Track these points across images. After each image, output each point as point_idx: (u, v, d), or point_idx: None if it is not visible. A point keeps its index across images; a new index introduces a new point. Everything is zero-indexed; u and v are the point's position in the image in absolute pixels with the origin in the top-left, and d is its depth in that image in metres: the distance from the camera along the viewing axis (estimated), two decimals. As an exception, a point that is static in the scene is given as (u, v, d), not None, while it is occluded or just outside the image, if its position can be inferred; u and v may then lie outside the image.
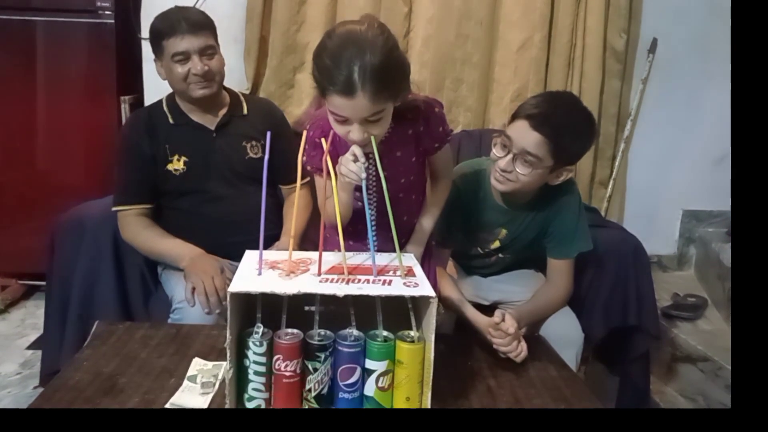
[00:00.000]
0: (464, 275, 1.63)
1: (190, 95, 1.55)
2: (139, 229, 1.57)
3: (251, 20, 2.14)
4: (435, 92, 2.18)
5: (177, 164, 1.58)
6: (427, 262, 1.30)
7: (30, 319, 2.25)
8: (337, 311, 0.96)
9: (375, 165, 1.03)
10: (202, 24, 1.53)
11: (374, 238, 1.07)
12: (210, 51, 1.54)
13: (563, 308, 1.53)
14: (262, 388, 0.95)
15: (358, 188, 1.11)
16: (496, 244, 1.53)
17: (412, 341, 0.96)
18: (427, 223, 1.28)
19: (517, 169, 1.31)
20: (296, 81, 2.21)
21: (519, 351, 1.24)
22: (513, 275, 1.63)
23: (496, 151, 1.35)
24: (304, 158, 1.12)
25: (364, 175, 1.04)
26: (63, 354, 1.54)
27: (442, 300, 1.39)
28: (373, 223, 1.14)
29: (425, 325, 0.95)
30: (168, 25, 1.50)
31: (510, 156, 1.31)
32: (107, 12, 2.17)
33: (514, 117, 1.34)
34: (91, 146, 2.25)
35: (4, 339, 2.11)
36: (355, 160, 1.05)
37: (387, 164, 1.09)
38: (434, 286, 1.26)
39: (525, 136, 1.29)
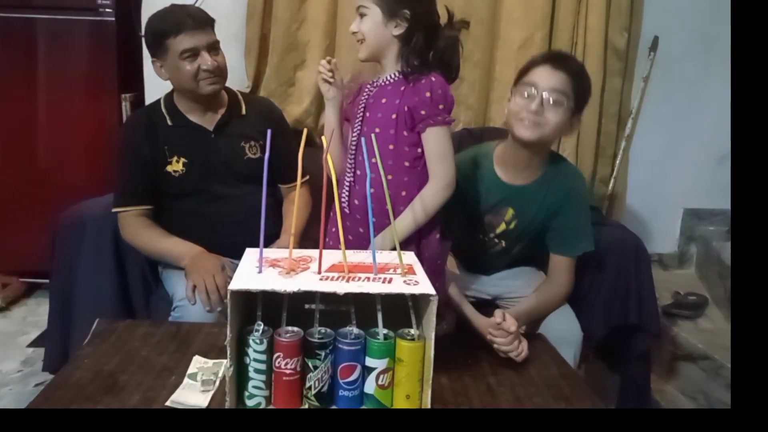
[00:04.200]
0: (465, 272, 1.63)
1: (200, 92, 1.54)
2: (139, 230, 1.57)
3: (252, 18, 2.14)
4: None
5: (176, 165, 1.58)
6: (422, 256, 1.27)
7: (31, 317, 2.26)
8: (337, 309, 0.97)
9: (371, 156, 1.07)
10: (205, 20, 1.53)
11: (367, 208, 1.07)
12: (216, 46, 1.55)
13: (562, 307, 1.53)
14: (263, 385, 0.95)
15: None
16: (502, 227, 1.51)
17: (413, 339, 0.96)
18: (404, 219, 1.21)
19: (547, 112, 1.35)
20: (297, 79, 2.21)
21: (520, 350, 1.25)
22: (515, 272, 1.63)
23: (518, 100, 1.38)
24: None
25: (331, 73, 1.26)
26: (65, 351, 1.54)
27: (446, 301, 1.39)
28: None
29: (425, 323, 0.95)
30: (173, 23, 1.49)
31: (538, 99, 1.35)
32: (108, 10, 2.17)
33: (529, 67, 1.39)
34: (92, 144, 2.26)
35: (5, 337, 2.12)
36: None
37: (371, 108, 1.24)
38: (439, 280, 1.26)
39: (550, 76, 1.35)
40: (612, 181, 2.36)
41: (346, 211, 1.26)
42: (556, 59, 1.39)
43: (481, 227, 1.53)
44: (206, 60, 1.50)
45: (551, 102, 1.35)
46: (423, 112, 1.20)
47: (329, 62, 1.30)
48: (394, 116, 1.21)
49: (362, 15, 1.22)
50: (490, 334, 1.28)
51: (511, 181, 1.47)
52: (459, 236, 1.50)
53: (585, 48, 2.21)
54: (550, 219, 1.48)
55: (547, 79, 1.35)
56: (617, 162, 2.35)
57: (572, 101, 1.36)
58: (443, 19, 1.26)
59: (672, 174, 2.46)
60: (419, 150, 1.23)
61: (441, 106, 1.20)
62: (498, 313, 1.29)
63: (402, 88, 1.22)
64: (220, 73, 1.55)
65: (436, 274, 1.22)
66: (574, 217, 1.47)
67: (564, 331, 1.47)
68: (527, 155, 1.43)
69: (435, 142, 1.21)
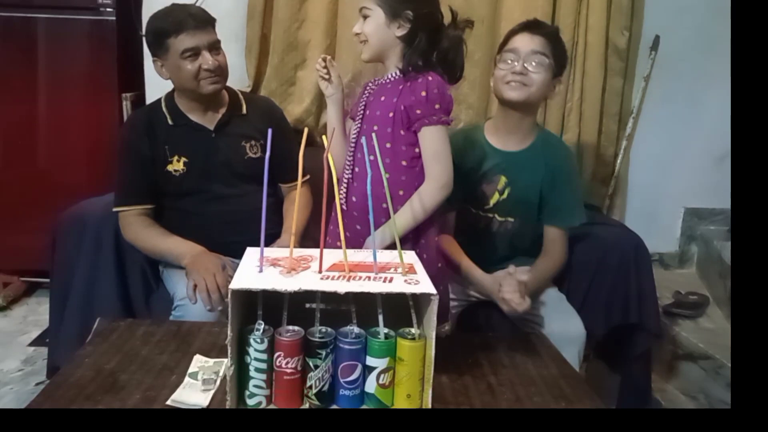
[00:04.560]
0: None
1: (201, 92, 1.54)
2: (140, 229, 1.57)
3: (252, 18, 2.14)
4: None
5: (177, 165, 1.58)
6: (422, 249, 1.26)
7: (32, 316, 2.26)
8: (338, 308, 0.97)
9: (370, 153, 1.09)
10: (207, 19, 1.54)
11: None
12: (217, 45, 1.55)
13: (565, 306, 1.54)
14: (263, 384, 0.95)
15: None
16: (495, 197, 1.56)
17: (413, 338, 0.96)
18: (403, 216, 1.20)
19: (531, 73, 1.45)
20: (297, 79, 2.20)
21: (522, 300, 1.35)
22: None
23: (502, 66, 1.48)
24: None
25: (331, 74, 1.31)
26: (66, 350, 1.54)
27: (452, 267, 1.45)
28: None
29: (426, 323, 0.95)
30: (174, 22, 1.49)
31: (521, 62, 1.46)
32: (108, 9, 2.18)
33: (509, 37, 1.51)
34: (92, 144, 2.26)
35: (6, 336, 2.12)
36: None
37: (370, 106, 1.24)
38: (443, 282, 1.26)
39: (530, 41, 1.47)
40: (613, 180, 2.36)
41: (344, 208, 1.26)
42: (532, 26, 1.50)
43: (476, 199, 1.55)
44: (207, 59, 1.50)
45: (533, 63, 1.45)
46: (419, 112, 1.19)
47: (325, 60, 1.33)
48: (391, 114, 1.21)
49: (365, 16, 1.22)
50: (498, 285, 1.39)
51: (503, 147, 1.55)
52: (458, 202, 1.53)
53: (586, 47, 2.21)
54: (543, 191, 1.54)
55: (526, 44, 1.46)
56: (618, 161, 2.35)
57: (552, 60, 1.47)
58: (447, 18, 1.25)
59: (673, 173, 2.46)
60: (417, 150, 1.22)
61: (437, 106, 1.20)
62: (511, 266, 1.40)
63: (400, 87, 1.22)
64: (221, 72, 1.55)
65: (436, 276, 1.22)
66: (568, 191, 1.56)
67: (567, 329, 1.48)
68: (516, 118, 1.52)
69: (431, 142, 1.21)
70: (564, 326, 1.48)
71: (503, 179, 1.54)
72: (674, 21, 2.29)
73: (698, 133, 2.41)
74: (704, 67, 2.35)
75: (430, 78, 1.20)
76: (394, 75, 1.24)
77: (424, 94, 1.19)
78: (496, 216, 1.57)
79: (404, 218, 1.20)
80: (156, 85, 1.84)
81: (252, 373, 0.95)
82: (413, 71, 1.21)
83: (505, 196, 1.55)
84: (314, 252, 1.02)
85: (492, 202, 1.56)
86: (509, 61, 1.46)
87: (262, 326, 0.95)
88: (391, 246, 1.06)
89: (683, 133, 2.41)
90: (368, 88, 1.28)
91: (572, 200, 1.57)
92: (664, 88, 2.35)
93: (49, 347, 1.67)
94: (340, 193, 1.24)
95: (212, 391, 1.06)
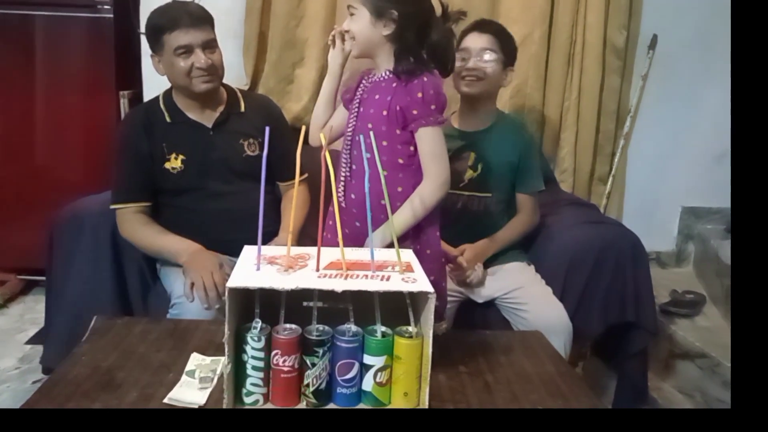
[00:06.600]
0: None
1: (193, 90, 1.54)
2: (137, 226, 1.57)
3: (250, 15, 2.13)
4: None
5: (174, 162, 1.58)
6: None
7: (29, 314, 2.26)
8: (335, 306, 0.97)
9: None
10: (203, 17, 1.53)
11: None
12: (212, 44, 1.54)
13: (550, 299, 1.59)
14: (261, 382, 0.95)
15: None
16: (469, 173, 1.68)
17: (410, 337, 0.96)
18: (402, 215, 1.19)
19: (482, 66, 1.62)
20: (295, 76, 2.20)
21: (472, 277, 1.58)
22: (504, 270, 1.66)
23: (457, 63, 1.59)
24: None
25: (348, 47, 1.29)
26: (61, 348, 1.54)
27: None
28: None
29: (423, 321, 0.95)
30: (169, 18, 1.49)
31: (473, 58, 1.63)
32: (106, 7, 2.17)
33: (461, 37, 1.65)
34: (89, 141, 2.25)
35: (3, 334, 2.12)
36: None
37: (365, 103, 1.24)
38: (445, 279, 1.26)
39: (479, 39, 1.65)
40: (610, 179, 2.36)
41: (342, 205, 1.26)
42: (480, 25, 1.67)
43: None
44: (200, 58, 1.50)
45: (484, 59, 1.62)
46: (415, 112, 1.18)
47: (334, 32, 1.33)
48: (384, 113, 1.20)
49: (351, 14, 1.21)
50: (449, 266, 1.57)
51: (467, 129, 1.71)
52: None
53: (584, 46, 2.21)
54: (512, 164, 1.69)
55: (476, 42, 1.64)
56: (615, 160, 2.35)
57: (501, 54, 1.64)
58: (439, 11, 1.23)
59: (670, 172, 2.46)
60: (412, 148, 1.22)
61: (433, 107, 1.18)
62: (461, 248, 1.60)
63: (394, 85, 1.20)
64: (214, 71, 1.54)
65: (439, 272, 1.22)
66: (532, 160, 1.74)
67: (553, 322, 1.51)
68: (477, 104, 1.69)
69: (428, 142, 1.20)
70: (549, 319, 1.51)
71: (472, 155, 1.68)
72: (672, 20, 2.30)
73: (696, 132, 2.41)
74: (702, 66, 2.35)
75: (425, 78, 1.18)
76: (387, 73, 1.23)
77: (420, 95, 1.18)
78: (475, 193, 1.68)
79: (404, 217, 1.19)
80: (153, 83, 1.84)
81: (249, 371, 0.95)
82: (404, 72, 1.19)
83: (478, 171, 1.68)
84: (312, 250, 1.02)
85: (466, 177, 1.68)
86: (463, 59, 1.63)
87: (260, 324, 0.95)
88: (392, 245, 1.05)
89: (681, 132, 2.42)
90: (362, 84, 1.28)
91: (536, 168, 1.75)
92: (661, 87, 2.36)
93: (45, 345, 1.67)
94: (338, 191, 1.24)
95: (209, 389, 1.06)
